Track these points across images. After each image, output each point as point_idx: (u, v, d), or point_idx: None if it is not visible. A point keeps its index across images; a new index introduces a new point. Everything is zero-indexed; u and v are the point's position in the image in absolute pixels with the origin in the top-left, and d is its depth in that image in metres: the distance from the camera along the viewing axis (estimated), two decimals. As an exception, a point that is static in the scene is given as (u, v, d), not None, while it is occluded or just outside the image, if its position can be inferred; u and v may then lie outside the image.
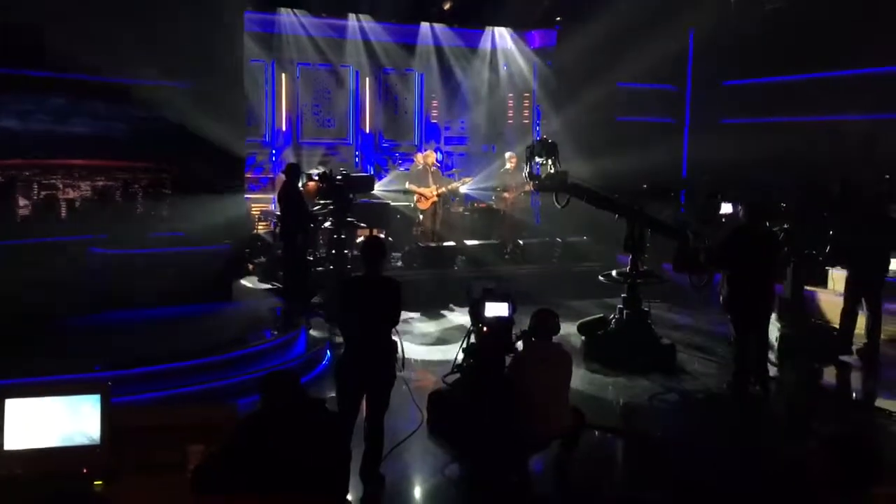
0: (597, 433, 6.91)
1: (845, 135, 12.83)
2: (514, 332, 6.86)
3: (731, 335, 8.30)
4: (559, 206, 9.24)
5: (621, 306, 9.33)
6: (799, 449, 6.52)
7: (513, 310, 6.90)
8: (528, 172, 9.24)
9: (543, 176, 9.06)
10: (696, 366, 9.10)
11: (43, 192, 10.35)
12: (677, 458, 6.65)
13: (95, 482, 3.81)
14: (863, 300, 9.14)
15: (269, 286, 11.60)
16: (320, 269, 11.42)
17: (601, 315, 9.80)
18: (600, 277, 9.92)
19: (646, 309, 9.28)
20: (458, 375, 7.26)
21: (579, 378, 8.60)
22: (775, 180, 12.11)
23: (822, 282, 10.68)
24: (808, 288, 9.84)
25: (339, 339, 6.30)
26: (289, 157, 14.42)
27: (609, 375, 8.69)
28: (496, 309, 6.85)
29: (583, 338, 9.51)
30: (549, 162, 9.01)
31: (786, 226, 9.18)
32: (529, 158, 9.17)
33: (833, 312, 9.67)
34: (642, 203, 9.43)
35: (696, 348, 9.69)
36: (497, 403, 6.09)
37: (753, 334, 7.96)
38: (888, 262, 9.26)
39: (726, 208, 12.31)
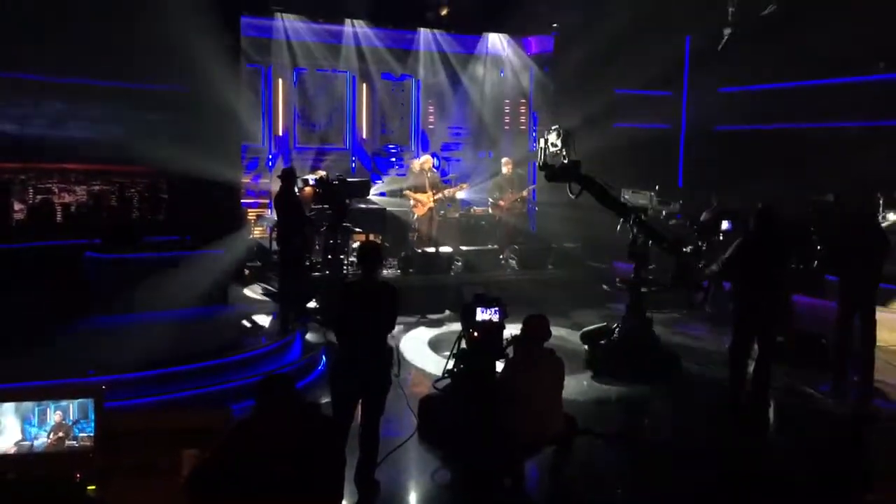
0: (599, 440, 6.90)
1: (842, 142, 12.86)
2: (504, 337, 6.85)
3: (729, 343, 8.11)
4: (572, 197, 9.10)
5: (625, 315, 9.18)
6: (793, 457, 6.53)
7: (503, 315, 6.88)
8: (542, 162, 9.15)
9: (556, 166, 8.96)
10: (701, 375, 8.96)
11: (38, 196, 10.34)
12: (670, 464, 6.65)
13: (88, 486, 3.80)
14: (856, 308, 9.10)
15: (265, 291, 11.59)
16: (316, 274, 11.41)
17: (604, 323, 9.68)
18: (604, 286, 9.80)
19: (649, 317, 9.15)
20: (449, 381, 7.24)
21: (581, 387, 8.59)
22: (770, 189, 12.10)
23: (816, 290, 10.66)
24: (803, 297, 9.78)
25: (335, 345, 6.28)
26: (285, 162, 14.41)
27: (612, 384, 8.62)
28: (486, 314, 6.84)
29: (586, 346, 9.39)
30: (563, 151, 8.91)
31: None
32: (544, 147, 9.09)
33: (826, 321, 9.62)
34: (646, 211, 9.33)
35: (701, 358, 9.50)
36: (487, 408, 6.09)
37: (757, 343, 7.81)
38: (880, 270, 9.25)
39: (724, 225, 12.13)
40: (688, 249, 9.00)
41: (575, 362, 9.02)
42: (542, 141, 9.17)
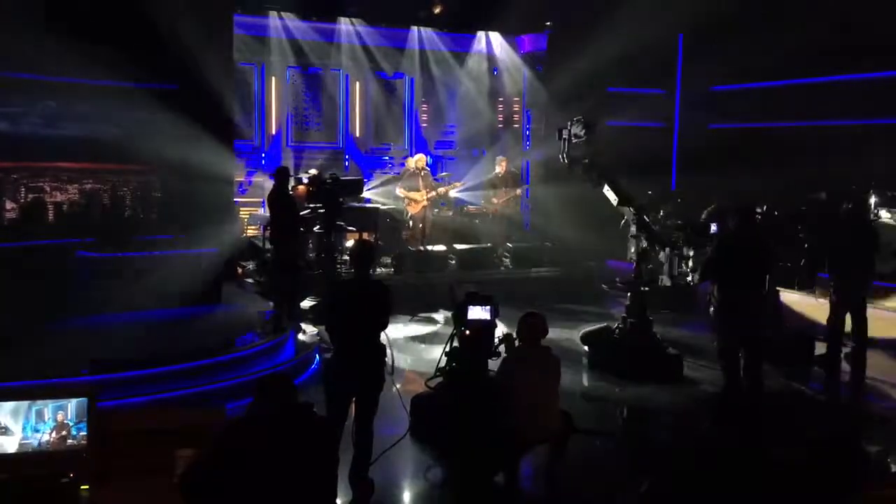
0: (595, 439, 6.90)
1: (835, 140, 12.88)
2: (496, 335, 6.83)
3: (716, 346, 7.88)
4: (593, 188, 9.09)
5: (625, 315, 9.14)
6: (788, 454, 6.53)
7: (495, 313, 6.85)
8: (564, 152, 9.15)
9: (581, 157, 8.95)
10: (701, 376, 8.88)
11: (30, 195, 10.29)
12: (669, 464, 6.64)
13: (82, 486, 3.79)
14: (848, 306, 9.12)
15: (258, 290, 11.56)
16: (309, 272, 11.39)
17: (605, 324, 9.66)
18: (603, 286, 9.77)
19: (650, 318, 9.09)
20: (441, 379, 7.23)
21: (581, 386, 8.59)
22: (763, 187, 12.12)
23: (807, 287, 10.70)
24: (792, 293, 9.78)
25: (328, 343, 6.27)
26: (278, 160, 14.39)
27: (612, 385, 8.59)
28: (478, 312, 6.82)
29: (586, 347, 9.38)
30: (587, 143, 8.90)
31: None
32: (564, 138, 9.07)
33: (818, 318, 9.65)
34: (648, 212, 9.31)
35: (701, 358, 9.33)
36: (479, 407, 6.09)
37: (742, 345, 7.69)
38: (873, 268, 9.28)
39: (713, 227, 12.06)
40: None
41: (573, 361, 9.03)
42: (564, 132, 9.15)
